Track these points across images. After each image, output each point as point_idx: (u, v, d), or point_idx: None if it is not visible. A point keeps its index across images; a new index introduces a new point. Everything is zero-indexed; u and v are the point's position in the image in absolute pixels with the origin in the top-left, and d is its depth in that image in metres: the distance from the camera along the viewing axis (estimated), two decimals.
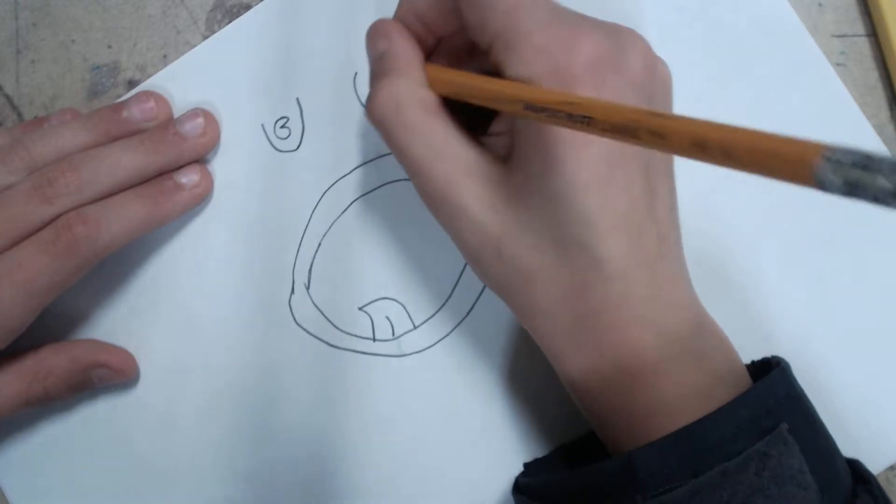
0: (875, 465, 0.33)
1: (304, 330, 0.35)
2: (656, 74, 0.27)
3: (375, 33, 0.30)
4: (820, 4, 0.37)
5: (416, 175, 0.28)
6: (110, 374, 0.34)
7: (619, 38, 0.27)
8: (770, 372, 0.26)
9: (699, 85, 0.36)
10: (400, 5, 0.30)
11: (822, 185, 0.15)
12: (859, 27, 0.37)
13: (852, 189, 0.15)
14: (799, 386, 0.27)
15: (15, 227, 0.31)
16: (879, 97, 0.36)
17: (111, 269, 0.36)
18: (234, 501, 0.34)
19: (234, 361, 0.35)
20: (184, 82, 0.37)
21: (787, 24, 0.36)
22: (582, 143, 0.25)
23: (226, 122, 0.37)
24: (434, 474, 0.34)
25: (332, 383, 0.35)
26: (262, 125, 0.37)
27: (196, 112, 0.36)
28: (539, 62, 0.25)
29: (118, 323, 0.36)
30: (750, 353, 0.30)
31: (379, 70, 0.29)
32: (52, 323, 0.35)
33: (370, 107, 0.28)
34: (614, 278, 0.26)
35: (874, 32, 0.37)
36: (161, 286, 0.36)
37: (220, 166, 0.37)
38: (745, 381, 0.27)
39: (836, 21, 0.37)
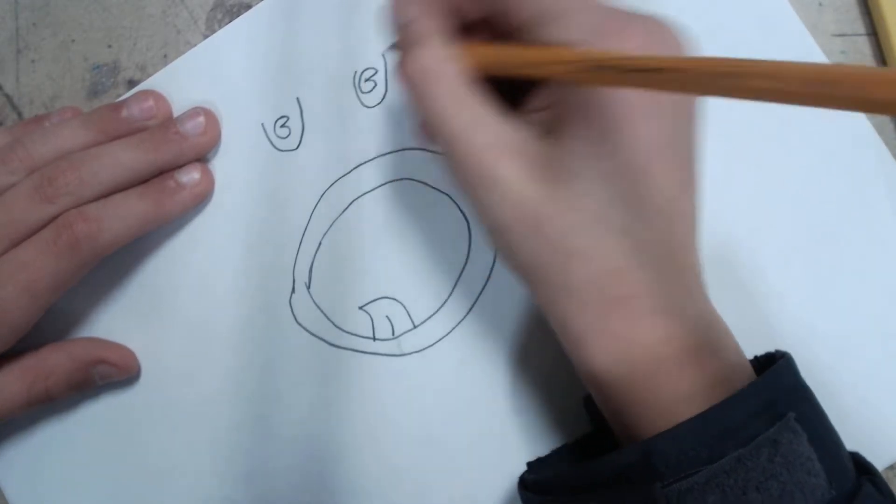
0: (875, 463, 0.33)
1: (305, 329, 0.35)
2: None
3: (401, 1, 0.29)
4: (820, 4, 0.37)
5: (453, 144, 0.27)
6: (111, 371, 0.34)
7: (661, 33, 0.26)
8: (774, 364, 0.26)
9: None
10: None
11: None
12: (859, 27, 0.37)
13: None
14: (802, 378, 0.27)
15: (16, 227, 0.31)
16: None
17: (111, 268, 0.36)
18: (233, 501, 0.34)
19: (234, 360, 0.35)
20: (184, 82, 0.37)
21: (787, 23, 0.36)
22: (642, 119, 0.25)
23: (226, 121, 0.37)
24: (434, 473, 0.34)
25: (332, 382, 0.35)
26: (262, 124, 0.37)
27: (197, 111, 0.36)
28: (588, 35, 0.24)
29: (118, 322, 0.36)
30: (751, 350, 0.30)
31: (411, 35, 0.28)
32: (52, 323, 0.35)
33: (407, 71, 0.27)
34: (651, 264, 0.25)
35: (874, 32, 0.37)
36: (161, 285, 0.36)
37: (221, 166, 0.37)
38: (751, 372, 0.27)
39: (837, 20, 0.37)
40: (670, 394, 0.25)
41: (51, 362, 0.33)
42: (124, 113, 0.35)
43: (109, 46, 0.39)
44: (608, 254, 0.25)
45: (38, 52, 0.39)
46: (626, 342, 0.26)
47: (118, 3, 0.39)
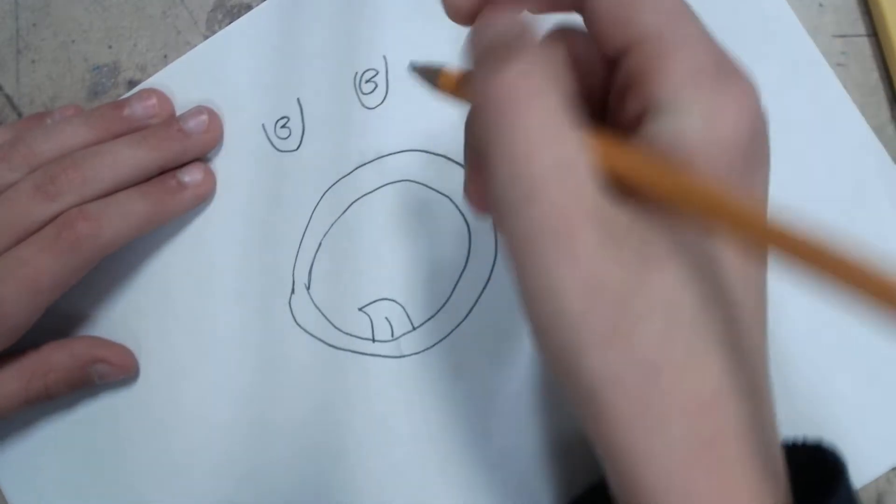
0: (878, 467, 0.33)
1: (304, 330, 0.35)
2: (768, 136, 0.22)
3: (490, 20, 0.22)
4: (821, 5, 0.37)
5: (527, 191, 0.19)
6: (110, 371, 0.34)
7: (765, 112, 0.21)
8: (827, 469, 0.23)
9: None
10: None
11: None
12: (860, 27, 0.37)
13: None
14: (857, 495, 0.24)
15: (18, 225, 0.31)
16: (880, 97, 0.36)
17: (112, 268, 0.36)
18: (232, 501, 0.34)
19: (233, 361, 0.35)
20: (185, 82, 0.37)
21: (786, 25, 0.36)
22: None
23: (226, 121, 0.37)
24: (432, 475, 0.34)
25: (331, 383, 0.35)
26: (263, 125, 0.37)
27: (200, 109, 0.36)
28: (702, 92, 0.20)
29: (118, 322, 0.36)
30: None
31: (508, 47, 0.21)
32: (52, 322, 0.35)
33: (494, 84, 0.20)
34: (745, 393, 0.20)
35: (875, 32, 0.37)
36: (161, 285, 0.36)
37: (221, 166, 0.37)
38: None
39: (837, 21, 0.37)
40: None
41: (50, 360, 0.33)
42: (126, 111, 0.35)
43: (109, 47, 0.39)
44: (707, 371, 0.19)
45: (38, 52, 0.39)
46: (707, 502, 0.19)
47: (118, 3, 0.39)
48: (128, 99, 0.36)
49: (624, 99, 0.22)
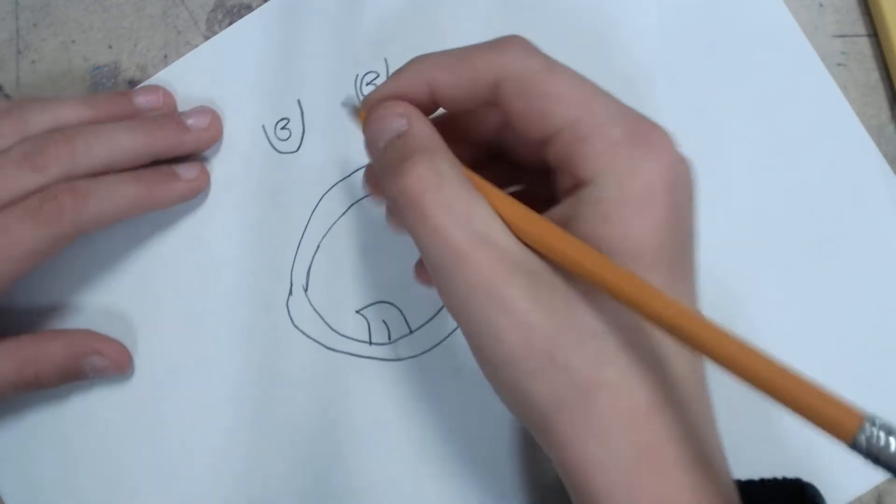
0: (872, 477, 0.33)
1: (301, 332, 0.35)
2: (692, 179, 0.25)
3: (389, 112, 0.26)
4: (821, 5, 0.37)
5: (454, 261, 0.23)
6: (104, 364, 0.34)
7: (684, 158, 0.25)
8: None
9: (698, 90, 0.36)
10: (410, 67, 0.27)
11: (856, 450, 0.17)
12: (860, 27, 0.37)
13: (882, 464, 0.16)
14: None
15: (1, 192, 0.31)
16: (880, 97, 0.36)
17: (111, 267, 0.36)
18: (228, 500, 0.34)
19: (230, 362, 0.35)
20: (185, 82, 0.37)
21: (784, 28, 0.36)
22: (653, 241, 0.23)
23: (227, 122, 0.37)
24: (428, 478, 0.34)
25: (327, 385, 0.35)
26: (263, 126, 0.37)
27: (204, 108, 0.36)
28: (619, 159, 0.23)
29: (116, 321, 0.36)
30: None
31: (403, 148, 0.25)
32: (53, 321, 0.36)
33: (400, 185, 0.24)
34: (679, 403, 0.22)
35: (875, 32, 0.36)
36: (159, 285, 0.36)
37: (221, 166, 0.37)
38: None
39: (837, 21, 0.37)
40: None
41: (44, 347, 0.33)
42: (128, 98, 0.35)
43: (110, 47, 0.39)
44: (642, 386, 0.22)
45: (38, 52, 0.39)
46: (659, 500, 0.22)
47: (118, 3, 0.39)
48: (133, 90, 0.36)
49: (558, 176, 0.25)
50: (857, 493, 0.33)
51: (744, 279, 0.34)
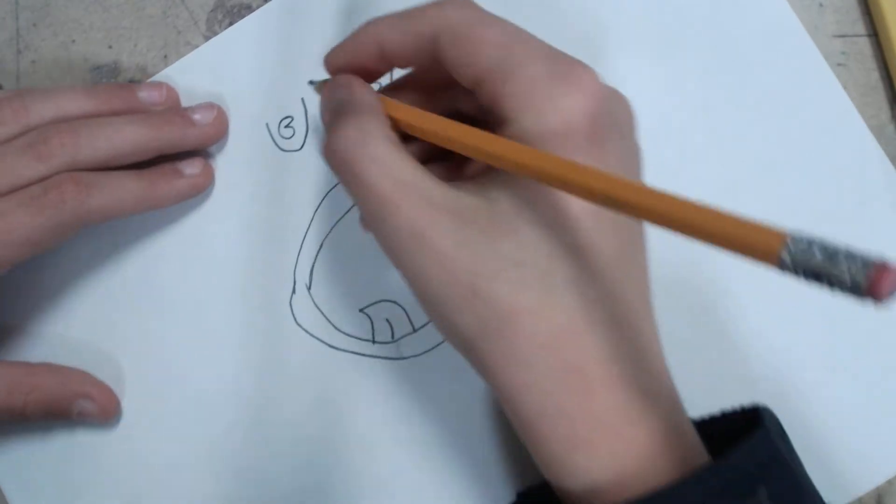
0: (871, 480, 0.33)
1: (305, 330, 0.35)
2: (631, 110, 0.27)
3: (334, 85, 0.29)
4: (821, 5, 0.37)
5: (381, 210, 0.25)
6: (91, 410, 0.34)
7: (612, 92, 0.26)
8: (755, 424, 0.25)
9: (701, 89, 0.36)
10: (361, 29, 0.29)
11: (784, 269, 0.17)
12: (860, 27, 0.37)
13: (812, 276, 0.16)
14: (785, 445, 0.25)
15: (3, 179, 0.31)
16: (880, 97, 0.36)
17: (112, 266, 0.36)
18: (229, 500, 0.34)
19: (233, 360, 0.35)
20: (188, 80, 0.37)
21: (787, 27, 0.36)
22: None
23: (230, 120, 0.37)
24: (430, 477, 0.34)
25: (330, 384, 0.35)
26: (267, 124, 0.37)
27: (210, 104, 0.36)
28: (538, 94, 0.24)
29: (118, 319, 0.36)
30: (736, 363, 0.30)
31: (340, 112, 0.27)
32: (52, 320, 0.36)
33: (332, 144, 0.26)
34: (606, 325, 0.24)
35: (875, 32, 0.37)
36: (162, 283, 0.36)
37: (224, 164, 0.37)
38: (699, 450, 0.25)
39: (837, 21, 0.37)
40: (620, 470, 0.23)
41: (39, 380, 0.33)
42: (132, 91, 0.35)
43: (110, 47, 0.38)
44: (560, 312, 0.23)
45: (38, 52, 0.39)
46: (581, 421, 0.23)
47: (118, 3, 0.39)
48: (136, 84, 0.36)
49: (491, 119, 0.26)
50: (857, 494, 0.33)
51: (744, 279, 0.34)
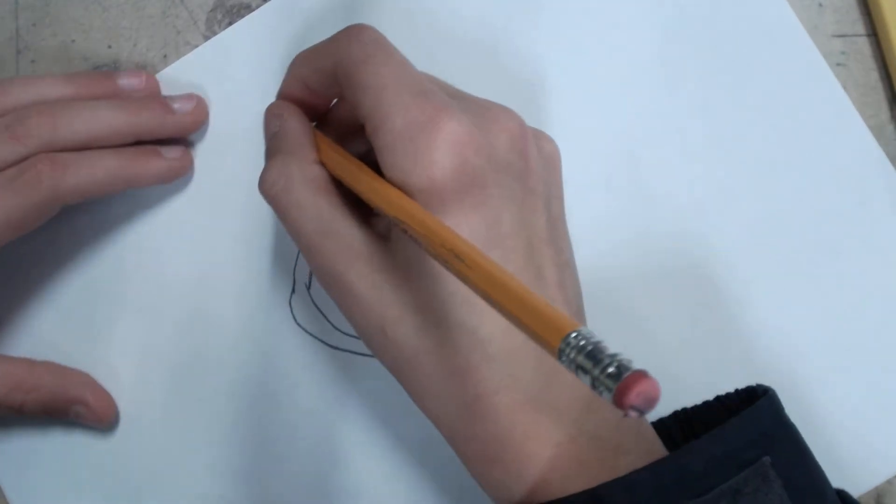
0: (879, 475, 0.33)
1: (304, 330, 0.35)
2: (529, 153, 0.27)
3: (269, 114, 0.31)
4: (820, 4, 0.37)
5: (307, 252, 0.28)
6: (89, 414, 0.34)
7: (486, 118, 0.27)
8: (756, 401, 0.25)
9: (701, 89, 0.36)
10: (288, 71, 0.31)
11: (562, 361, 0.18)
12: (860, 27, 0.37)
13: (582, 373, 0.17)
14: (787, 417, 0.26)
15: None
16: (880, 97, 0.36)
17: (112, 265, 0.36)
18: (229, 500, 0.34)
19: (233, 360, 0.35)
20: (187, 81, 0.37)
21: (787, 27, 0.36)
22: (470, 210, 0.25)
23: (228, 120, 0.37)
24: (431, 477, 0.34)
25: (330, 384, 0.35)
26: None
27: (191, 95, 0.36)
28: (400, 151, 0.25)
29: (117, 318, 0.36)
30: (750, 362, 0.30)
31: (271, 149, 0.30)
32: (51, 319, 0.36)
33: (262, 183, 0.28)
34: (499, 359, 0.25)
35: (874, 32, 0.37)
36: (161, 282, 0.36)
37: (224, 164, 0.37)
38: (658, 447, 0.26)
39: (837, 21, 0.37)
40: (550, 485, 0.25)
41: (38, 379, 0.33)
42: (111, 78, 0.35)
43: (109, 47, 0.38)
44: (454, 352, 0.25)
45: (38, 52, 0.39)
46: (492, 443, 0.25)
47: (118, 3, 0.39)
48: (115, 71, 0.36)
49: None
50: (857, 494, 0.33)
51: (745, 277, 0.34)
